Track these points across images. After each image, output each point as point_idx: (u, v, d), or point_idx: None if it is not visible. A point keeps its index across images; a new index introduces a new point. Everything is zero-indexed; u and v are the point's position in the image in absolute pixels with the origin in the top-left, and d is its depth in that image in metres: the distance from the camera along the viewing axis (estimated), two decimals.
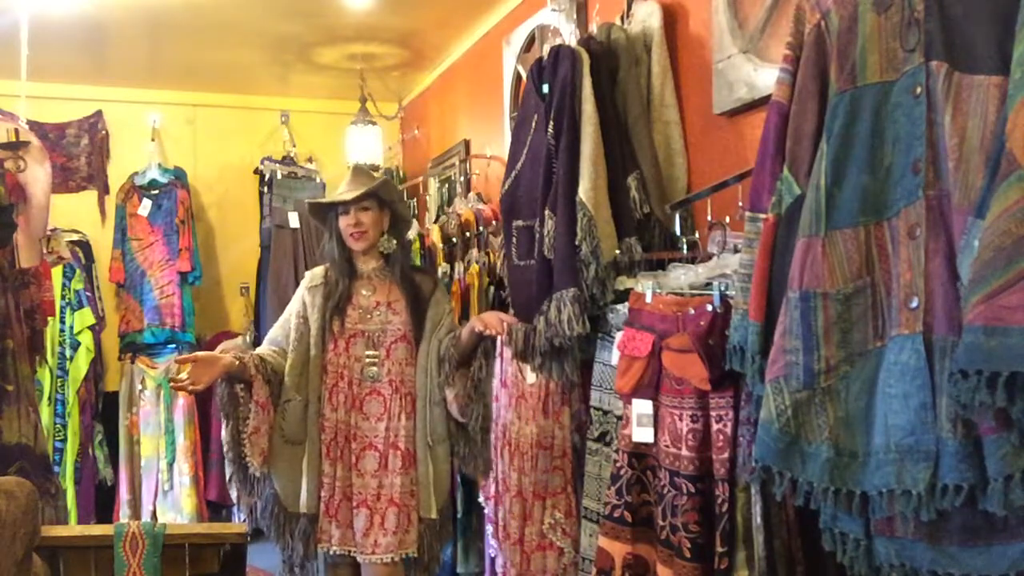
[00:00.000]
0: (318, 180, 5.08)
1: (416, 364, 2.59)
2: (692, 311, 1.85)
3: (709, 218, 2.10)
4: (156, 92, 5.05)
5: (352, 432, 2.54)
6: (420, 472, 2.54)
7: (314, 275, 2.68)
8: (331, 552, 2.53)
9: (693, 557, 1.77)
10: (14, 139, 2.45)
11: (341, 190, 2.63)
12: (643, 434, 1.93)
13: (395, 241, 2.64)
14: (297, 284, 2.78)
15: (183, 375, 2.32)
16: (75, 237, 4.61)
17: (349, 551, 2.52)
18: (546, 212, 2.38)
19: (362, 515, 2.51)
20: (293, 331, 2.59)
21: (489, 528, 2.91)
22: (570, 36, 2.88)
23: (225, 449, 2.51)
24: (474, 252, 3.49)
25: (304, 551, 2.51)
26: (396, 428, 2.54)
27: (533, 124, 2.49)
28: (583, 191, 2.28)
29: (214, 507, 4.73)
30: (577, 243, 2.26)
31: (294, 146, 5.23)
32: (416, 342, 2.59)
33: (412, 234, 4.13)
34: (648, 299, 2.00)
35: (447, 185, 4.49)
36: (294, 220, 4.82)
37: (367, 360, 2.55)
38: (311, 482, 2.52)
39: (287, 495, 2.53)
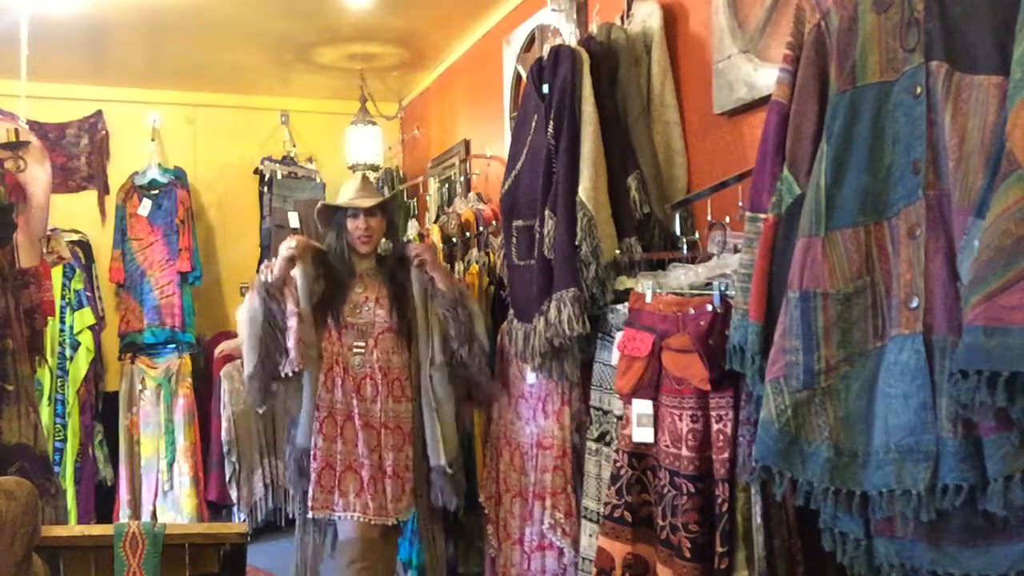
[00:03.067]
0: (318, 180, 5.08)
1: (416, 334, 2.83)
2: (692, 311, 1.85)
3: (709, 218, 2.10)
4: (156, 92, 5.05)
5: (351, 412, 2.77)
6: (427, 430, 2.81)
7: (305, 262, 2.79)
8: (345, 517, 2.70)
9: (693, 557, 1.77)
10: (14, 139, 2.45)
11: (351, 196, 2.87)
12: (643, 434, 1.94)
13: (391, 244, 2.92)
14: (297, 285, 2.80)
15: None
16: (75, 237, 4.60)
17: (352, 516, 2.71)
18: (546, 212, 2.38)
19: (362, 480, 2.74)
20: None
21: (489, 528, 2.90)
22: (570, 36, 2.88)
23: (251, 371, 2.66)
24: (474, 252, 3.48)
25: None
26: (388, 410, 2.78)
27: (533, 124, 2.49)
28: (583, 191, 2.28)
29: (214, 507, 4.72)
30: (577, 243, 2.26)
31: (294, 146, 5.23)
32: (400, 333, 2.84)
33: (412, 234, 4.13)
34: (648, 299, 1.99)
35: (447, 185, 4.49)
36: (294, 220, 4.82)
37: (354, 350, 2.79)
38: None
39: (303, 436, 2.77)
